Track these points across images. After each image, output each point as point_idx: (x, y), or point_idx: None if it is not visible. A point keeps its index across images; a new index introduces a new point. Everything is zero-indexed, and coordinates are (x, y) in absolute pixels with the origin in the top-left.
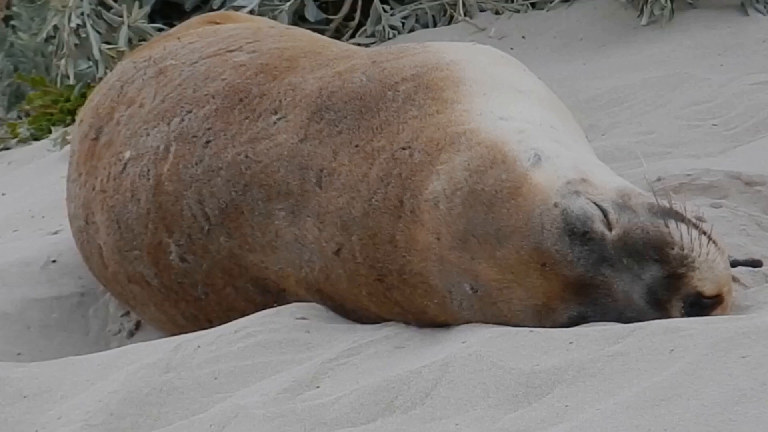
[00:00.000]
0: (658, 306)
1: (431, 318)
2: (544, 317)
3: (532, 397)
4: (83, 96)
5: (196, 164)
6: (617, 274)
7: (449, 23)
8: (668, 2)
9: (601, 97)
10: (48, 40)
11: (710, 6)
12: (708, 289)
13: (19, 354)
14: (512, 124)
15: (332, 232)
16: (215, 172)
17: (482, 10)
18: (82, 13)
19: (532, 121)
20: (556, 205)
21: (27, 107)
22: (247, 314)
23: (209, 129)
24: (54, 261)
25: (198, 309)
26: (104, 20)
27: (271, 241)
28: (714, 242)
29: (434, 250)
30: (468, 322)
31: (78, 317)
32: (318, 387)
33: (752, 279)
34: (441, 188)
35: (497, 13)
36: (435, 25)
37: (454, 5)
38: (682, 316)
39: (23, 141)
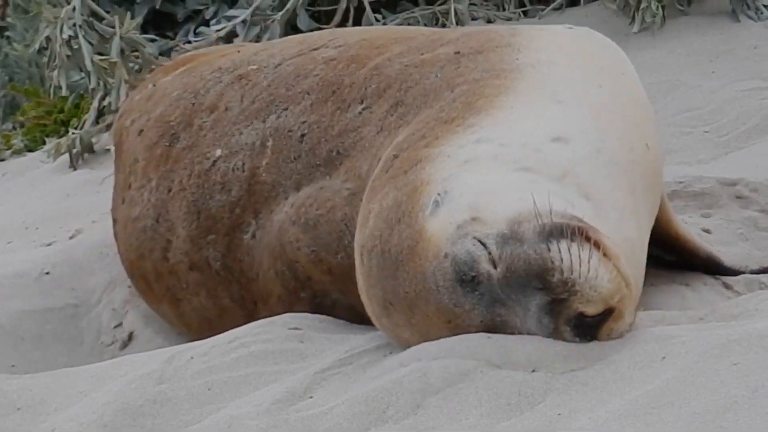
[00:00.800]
0: (551, 333)
1: None
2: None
3: (524, 405)
4: (77, 107)
5: (295, 159)
6: (510, 311)
7: None
8: (660, 9)
9: None
10: (41, 51)
11: (702, 13)
12: (591, 309)
13: (12, 366)
14: (481, 148)
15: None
16: (314, 168)
17: (474, 18)
18: (74, 24)
19: (513, 142)
20: (446, 255)
21: (21, 118)
22: (282, 300)
23: (304, 122)
24: (48, 273)
25: (247, 290)
26: (96, 31)
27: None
28: (605, 251)
29: (371, 311)
30: None
31: (72, 329)
32: (311, 397)
33: (746, 286)
34: (362, 241)
35: (489, 21)
36: None
37: (446, 13)
38: (574, 338)
39: (17, 152)
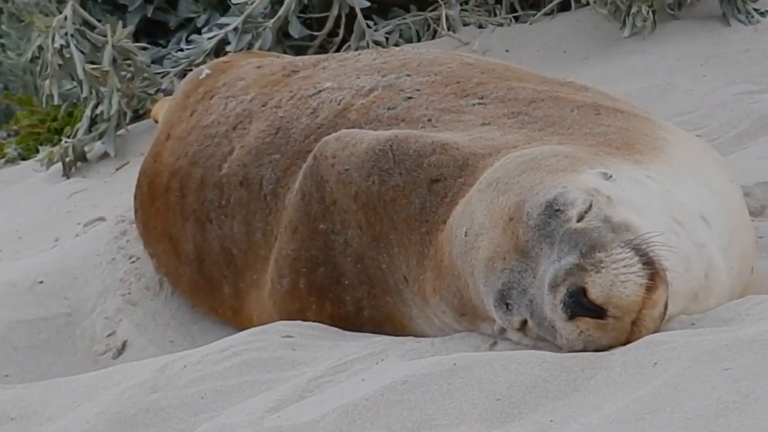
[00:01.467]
0: (552, 288)
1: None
2: (488, 275)
3: (517, 411)
4: (70, 115)
5: (389, 109)
6: (549, 252)
7: (433, 37)
8: (650, 14)
9: None
10: (33, 60)
11: (692, 17)
12: (594, 292)
13: (6, 375)
14: (650, 182)
15: None
16: (397, 122)
17: (466, 24)
18: (66, 34)
19: (676, 197)
20: (564, 187)
21: (15, 127)
22: (297, 235)
23: (418, 90)
24: (41, 282)
25: (277, 222)
26: (88, 40)
27: None
28: (650, 287)
29: (472, 191)
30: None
31: (65, 338)
32: (303, 405)
33: None
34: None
35: (480, 26)
36: (419, 40)
37: (438, 19)
38: (560, 303)
39: (11, 161)
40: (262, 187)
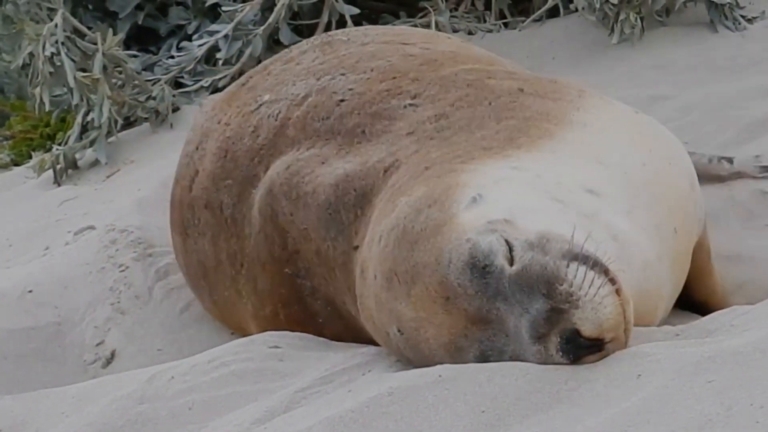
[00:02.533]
0: (538, 340)
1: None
2: (455, 356)
3: (502, 424)
4: (63, 120)
5: (323, 120)
6: (510, 308)
7: None
8: (638, 20)
9: None
10: (24, 67)
11: (680, 23)
12: (586, 329)
13: None
14: (517, 173)
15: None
16: (333, 135)
17: (455, 31)
18: (56, 42)
19: (549, 178)
20: (468, 240)
21: (8, 132)
22: (265, 272)
23: (350, 90)
24: (30, 291)
25: (240, 249)
26: (78, 48)
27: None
28: (617, 292)
29: (372, 288)
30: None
31: (55, 347)
32: (290, 417)
33: None
34: (383, 226)
35: (470, 33)
36: None
37: (427, 26)
38: (558, 352)
39: (4, 166)
40: (222, 211)
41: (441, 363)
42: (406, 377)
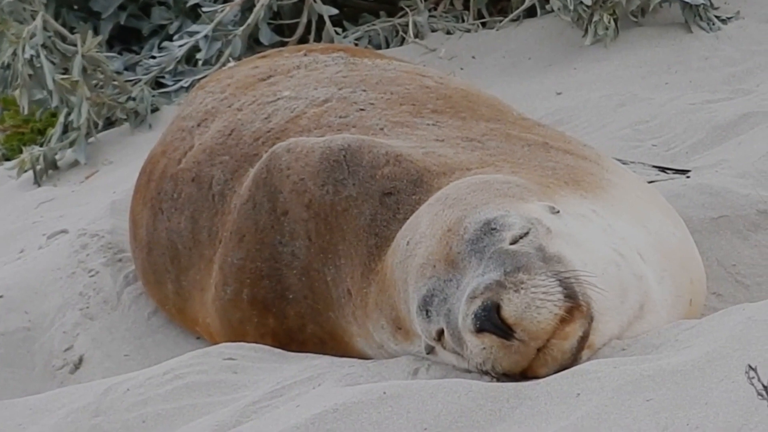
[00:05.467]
0: (470, 299)
1: None
2: (418, 282)
3: None
4: (53, 115)
5: (340, 117)
6: (476, 267)
7: (401, 44)
8: (612, 22)
9: (546, 118)
10: (5, 69)
11: (655, 24)
12: (506, 310)
13: None
14: (594, 216)
15: None
16: (348, 128)
17: (434, 30)
18: (36, 44)
19: (617, 232)
20: (507, 212)
21: (0, 126)
22: (244, 244)
23: (371, 104)
24: (1, 296)
25: (223, 224)
26: (58, 50)
27: None
28: (576, 318)
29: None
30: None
31: (24, 353)
32: (240, 430)
33: None
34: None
35: (448, 33)
36: (388, 46)
37: (406, 25)
38: (471, 314)
39: None
40: (211, 186)
41: (408, 287)
42: (352, 393)
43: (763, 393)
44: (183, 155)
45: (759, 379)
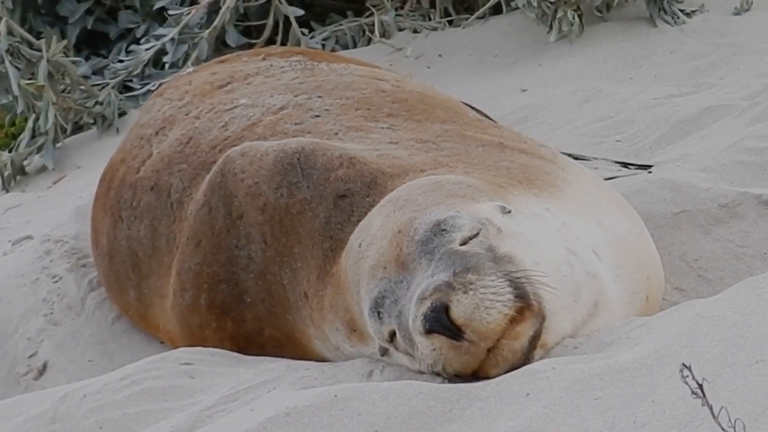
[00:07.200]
0: (420, 300)
1: None
2: (369, 284)
3: None
4: (26, 120)
5: (295, 124)
6: (426, 268)
7: (368, 43)
8: (576, 18)
9: (511, 115)
10: None
11: (620, 18)
12: (455, 311)
13: None
14: (548, 215)
15: None
16: (303, 134)
17: (401, 29)
18: (0, 50)
19: (571, 230)
20: (458, 212)
21: None
22: (201, 248)
23: (327, 110)
24: None
25: (180, 231)
26: (23, 56)
27: None
28: (526, 318)
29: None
30: None
31: None
32: None
33: None
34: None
35: (415, 31)
36: (355, 46)
37: (372, 25)
38: (421, 316)
39: None
40: (170, 194)
41: (360, 289)
42: (304, 397)
43: (698, 392)
44: (142, 163)
45: (693, 377)
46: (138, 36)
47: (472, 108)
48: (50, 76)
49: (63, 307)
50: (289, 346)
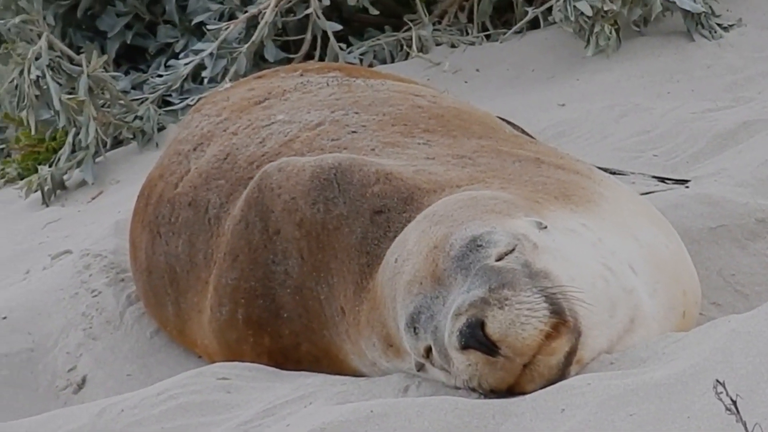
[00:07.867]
0: (455, 316)
1: None
2: (405, 299)
3: None
4: (67, 133)
5: (332, 140)
6: (462, 284)
7: (406, 58)
8: (613, 32)
9: (548, 130)
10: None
11: (657, 33)
12: (491, 327)
13: None
14: (585, 231)
15: None
16: (339, 150)
17: (438, 44)
18: (42, 65)
19: (607, 246)
20: (494, 228)
21: (16, 146)
22: (237, 263)
23: (363, 126)
24: (5, 318)
25: (217, 247)
26: (64, 70)
27: None
28: (562, 334)
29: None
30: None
31: (27, 374)
32: None
33: None
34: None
35: (453, 46)
36: (393, 61)
37: (410, 39)
38: (457, 331)
39: (11, 181)
40: (207, 210)
41: (396, 304)
42: (340, 412)
43: (732, 408)
44: (180, 179)
45: (727, 393)
46: (177, 51)
47: (509, 123)
48: (90, 90)
49: (102, 321)
50: (326, 361)
